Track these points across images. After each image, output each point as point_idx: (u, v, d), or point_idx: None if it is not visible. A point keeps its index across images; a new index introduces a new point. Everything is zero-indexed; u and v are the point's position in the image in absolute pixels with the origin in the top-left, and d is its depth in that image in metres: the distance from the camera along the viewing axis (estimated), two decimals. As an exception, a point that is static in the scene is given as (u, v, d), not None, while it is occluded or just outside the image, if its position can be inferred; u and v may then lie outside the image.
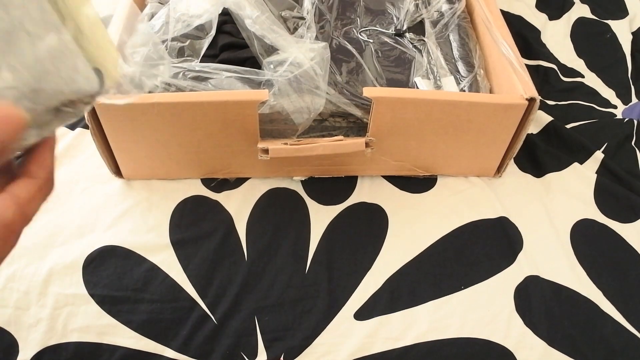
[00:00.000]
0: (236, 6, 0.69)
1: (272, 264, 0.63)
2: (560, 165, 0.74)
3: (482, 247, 0.65)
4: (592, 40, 0.96)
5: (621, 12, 1.01)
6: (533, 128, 0.79)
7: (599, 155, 0.75)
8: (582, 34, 0.97)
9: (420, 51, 0.77)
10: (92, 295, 0.60)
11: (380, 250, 0.65)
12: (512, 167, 0.74)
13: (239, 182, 0.71)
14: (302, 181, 0.71)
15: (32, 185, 0.28)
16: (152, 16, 0.73)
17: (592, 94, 0.86)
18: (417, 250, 0.65)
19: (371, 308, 0.60)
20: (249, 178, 0.71)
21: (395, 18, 0.82)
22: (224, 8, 0.70)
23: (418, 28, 0.80)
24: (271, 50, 0.68)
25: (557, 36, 0.96)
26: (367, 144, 0.63)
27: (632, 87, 0.87)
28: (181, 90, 0.64)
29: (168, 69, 0.63)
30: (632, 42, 0.95)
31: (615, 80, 0.88)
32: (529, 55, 0.91)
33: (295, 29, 0.73)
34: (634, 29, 0.98)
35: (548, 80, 0.88)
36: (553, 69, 0.89)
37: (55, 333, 0.59)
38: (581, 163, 0.74)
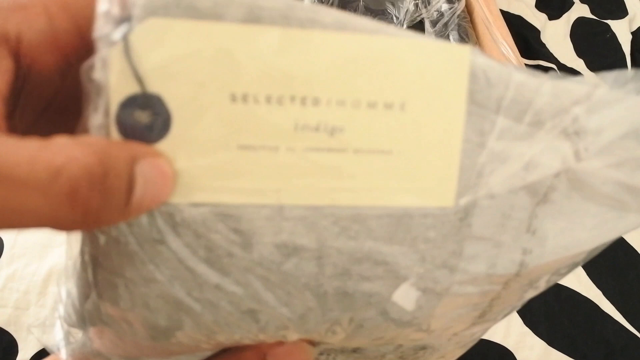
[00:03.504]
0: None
1: None
2: (560, 165, 0.74)
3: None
4: (592, 40, 0.96)
5: (621, 12, 1.01)
6: (533, 128, 0.79)
7: (598, 155, 0.75)
8: (582, 34, 0.97)
9: (420, 51, 0.77)
10: (91, 295, 0.60)
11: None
12: (512, 167, 0.74)
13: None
14: None
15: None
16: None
17: (592, 94, 0.86)
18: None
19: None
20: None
21: (395, 18, 0.82)
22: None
23: (418, 28, 0.80)
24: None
25: (556, 36, 0.96)
26: None
27: (632, 87, 0.87)
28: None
29: None
30: (632, 42, 0.95)
31: (615, 80, 0.88)
32: (529, 55, 0.91)
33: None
34: (634, 28, 0.98)
35: (548, 80, 0.87)
36: (553, 68, 0.89)
37: (55, 333, 0.59)
38: (581, 163, 0.74)
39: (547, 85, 0.23)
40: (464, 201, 0.23)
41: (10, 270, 0.61)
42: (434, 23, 0.81)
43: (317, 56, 0.21)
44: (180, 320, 0.23)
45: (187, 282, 0.22)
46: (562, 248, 0.25)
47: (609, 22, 0.99)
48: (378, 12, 0.82)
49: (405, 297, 0.24)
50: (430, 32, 0.79)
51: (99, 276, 0.23)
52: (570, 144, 0.23)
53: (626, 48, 0.94)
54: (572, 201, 0.24)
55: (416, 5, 0.82)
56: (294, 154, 0.21)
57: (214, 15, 0.20)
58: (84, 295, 0.24)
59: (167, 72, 0.20)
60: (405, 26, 0.80)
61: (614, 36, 0.96)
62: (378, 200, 0.23)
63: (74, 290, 0.24)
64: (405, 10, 0.82)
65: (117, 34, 0.19)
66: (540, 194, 0.24)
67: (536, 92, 0.23)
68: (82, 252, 0.23)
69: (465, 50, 0.22)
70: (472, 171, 0.23)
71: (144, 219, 0.21)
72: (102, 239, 0.22)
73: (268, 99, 0.20)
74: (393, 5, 0.83)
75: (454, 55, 0.22)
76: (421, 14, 0.81)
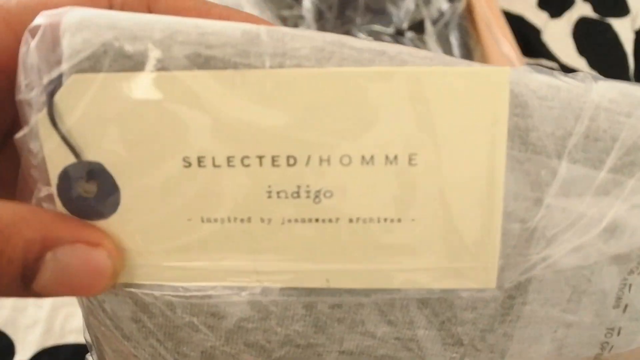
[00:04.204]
0: (234, 6, 0.69)
1: None
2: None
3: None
4: (594, 38, 0.95)
5: (623, 10, 1.00)
6: (534, 128, 0.78)
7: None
8: (583, 33, 0.96)
9: (420, 50, 0.76)
10: (89, 297, 0.60)
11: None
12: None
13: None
14: None
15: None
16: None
17: (593, 94, 0.85)
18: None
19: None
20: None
21: (395, 17, 0.82)
22: (223, 7, 0.70)
23: (418, 27, 0.80)
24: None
25: (558, 35, 0.96)
26: None
27: (634, 86, 0.87)
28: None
29: None
30: (635, 41, 0.94)
31: (617, 79, 0.88)
32: (530, 54, 0.91)
33: (295, 27, 0.73)
34: (636, 27, 0.97)
35: (549, 79, 0.87)
36: (554, 68, 0.89)
37: (53, 334, 0.59)
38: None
39: None
40: (512, 281, 0.17)
41: (8, 271, 0.61)
42: (434, 22, 0.80)
43: (289, 102, 0.16)
44: None
45: None
46: None
47: (611, 20, 0.98)
48: (378, 11, 0.82)
49: None
50: (430, 32, 0.79)
51: (93, 337, 0.21)
52: None
53: (628, 47, 0.93)
54: None
55: (417, 4, 0.81)
56: (270, 226, 0.17)
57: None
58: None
59: (103, 136, 0.16)
60: (405, 25, 0.80)
61: (616, 35, 0.95)
62: (387, 283, 0.17)
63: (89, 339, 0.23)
64: (406, 9, 0.82)
65: (40, 96, 0.16)
66: (632, 261, 0.17)
67: (626, 120, 0.16)
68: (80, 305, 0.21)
69: (502, 74, 0.16)
70: (524, 239, 0.17)
71: (110, 298, 0.18)
72: (83, 302, 0.20)
73: (230, 161, 0.16)
74: (393, 4, 0.83)
75: (485, 82, 0.16)
76: (422, 13, 0.81)
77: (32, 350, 0.58)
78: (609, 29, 0.97)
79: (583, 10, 1.01)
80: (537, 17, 0.98)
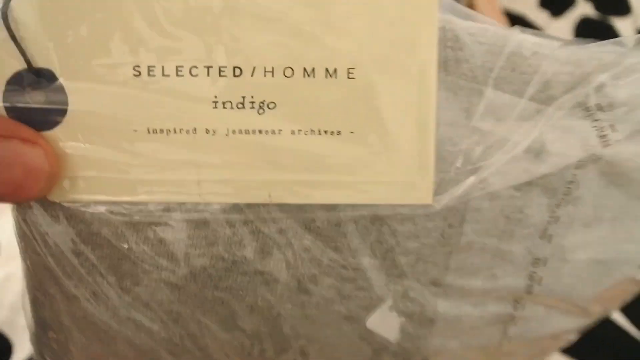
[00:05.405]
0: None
1: None
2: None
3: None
4: (595, 38, 0.95)
5: (625, 9, 1.00)
6: (535, 127, 0.78)
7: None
8: (585, 32, 0.96)
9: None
10: (88, 297, 0.59)
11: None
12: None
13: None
14: None
15: None
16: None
17: (595, 93, 0.85)
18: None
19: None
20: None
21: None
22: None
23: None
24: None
25: (559, 34, 0.95)
26: None
27: (636, 86, 0.86)
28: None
29: None
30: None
31: (619, 79, 0.87)
32: (532, 53, 0.91)
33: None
34: (638, 26, 0.97)
35: (551, 78, 0.87)
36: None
37: (51, 334, 0.58)
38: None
39: (562, 51, 0.19)
40: (447, 198, 0.18)
41: (6, 271, 0.60)
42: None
43: (237, 10, 0.16)
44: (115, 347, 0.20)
45: (110, 301, 0.19)
46: (597, 264, 0.20)
47: (612, 19, 0.98)
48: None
49: (383, 323, 0.19)
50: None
51: (30, 287, 0.22)
52: (593, 123, 0.19)
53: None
54: (610, 200, 0.19)
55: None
56: (215, 138, 0.17)
57: None
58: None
59: (58, 40, 0.16)
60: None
61: (618, 34, 0.95)
62: (327, 197, 0.18)
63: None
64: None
65: None
66: (559, 193, 0.19)
67: (545, 59, 0.18)
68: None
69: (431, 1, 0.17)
70: (456, 159, 0.18)
71: (52, 229, 0.18)
72: (24, 236, 0.19)
73: (178, 71, 0.17)
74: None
75: (417, 4, 0.17)
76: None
77: (30, 350, 0.58)
78: (611, 28, 0.96)
79: (584, 10, 1.01)
80: (538, 17, 0.98)
